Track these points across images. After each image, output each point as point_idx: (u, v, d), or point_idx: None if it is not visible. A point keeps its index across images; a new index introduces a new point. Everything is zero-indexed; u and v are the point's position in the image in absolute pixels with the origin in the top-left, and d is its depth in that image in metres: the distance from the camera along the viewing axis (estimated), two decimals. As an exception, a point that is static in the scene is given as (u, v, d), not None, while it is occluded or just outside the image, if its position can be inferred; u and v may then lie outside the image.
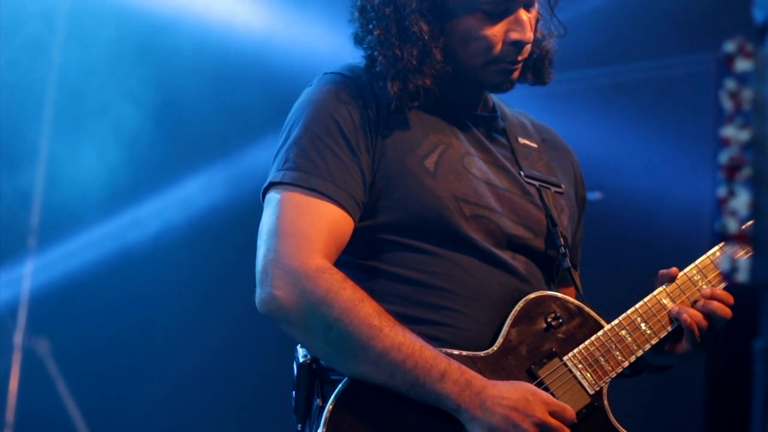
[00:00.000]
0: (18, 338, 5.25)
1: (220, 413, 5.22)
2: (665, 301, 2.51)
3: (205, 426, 5.23)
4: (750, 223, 1.26)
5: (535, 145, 2.72)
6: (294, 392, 2.42)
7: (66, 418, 5.16)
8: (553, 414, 2.32)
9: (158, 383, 5.25)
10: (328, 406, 2.31)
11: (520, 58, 2.53)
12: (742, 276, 1.24)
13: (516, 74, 2.57)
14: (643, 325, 2.49)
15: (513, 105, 2.83)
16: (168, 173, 5.29)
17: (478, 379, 2.33)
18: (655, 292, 2.52)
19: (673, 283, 2.52)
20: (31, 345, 5.24)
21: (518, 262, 2.53)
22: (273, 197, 2.45)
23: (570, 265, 2.60)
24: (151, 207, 5.26)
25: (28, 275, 5.24)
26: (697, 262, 2.55)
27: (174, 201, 5.23)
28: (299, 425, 2.41)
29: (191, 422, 5.23)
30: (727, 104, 1.26)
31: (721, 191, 1.27)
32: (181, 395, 5.24)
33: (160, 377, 5.26)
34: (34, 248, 5.26)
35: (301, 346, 2.45)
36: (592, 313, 2.51)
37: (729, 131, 1.25)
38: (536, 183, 2.64)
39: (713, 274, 2.53)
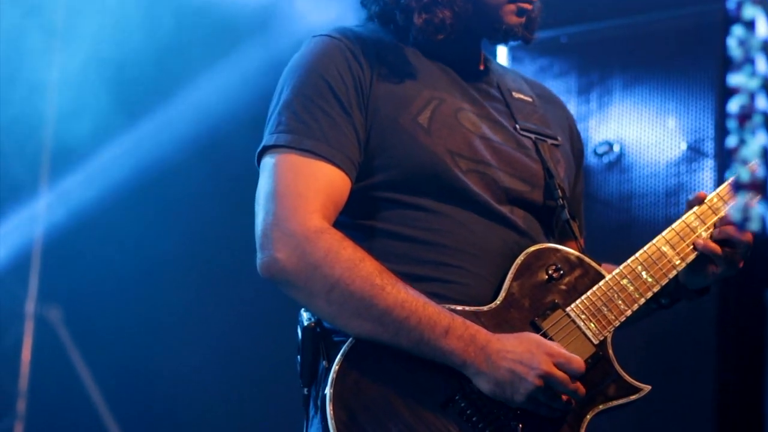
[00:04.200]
0: (30, 307, 5.26)
1: (237, 381, 5.23)
2: (665, 248, 2.51)
3: (220, 392, 5.24)
4: (755, 164, 1.25)
5: (529, 99, 2.72)
6: (299, 356, 2.43)
7: (79, 387, 5.18)
8: (558, 365, 2.32)
9: (172, 349, 5.27)
10: (335, 366, 2.32)
11: None
12: (752, 225, 1.23)
13: (525, 19, 2.57)
14: (644, 273, 2.49)
15: (517, 59, 2.83)
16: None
17: (482, 333, 2.33)
18: (654, 240, 2.51)
19: (672, 231, 2.52)
20: (43, 313, 5.26)
21: (516, 216, 2.53)
22: (268, 161, 2.45)
23: (569, 216, 2.59)
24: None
25: (39, 241, 5.25)
26: (694, 209, 2.54)
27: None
28: (305, 389, 2.41)
29: (206, 389, 5.25)
30: (736, 52, 1.25)
31: (732, 140, 1.25)
32: (196, 361, 5.25)
33: (174, 343, 5.27)
34: (44, 213, 5.26)
35: (305, 309, 2.45)
36: (593, 264, 2.51)
37: (738, 79, 1.24)
38: (532, 136, 2.63)
39: (712, 220, 2.52)
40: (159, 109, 5.24)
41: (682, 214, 2.55)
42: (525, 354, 2.31)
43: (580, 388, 2.34)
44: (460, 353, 2.31)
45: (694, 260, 2.51)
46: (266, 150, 2.46)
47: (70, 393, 5.20)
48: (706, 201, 2.53)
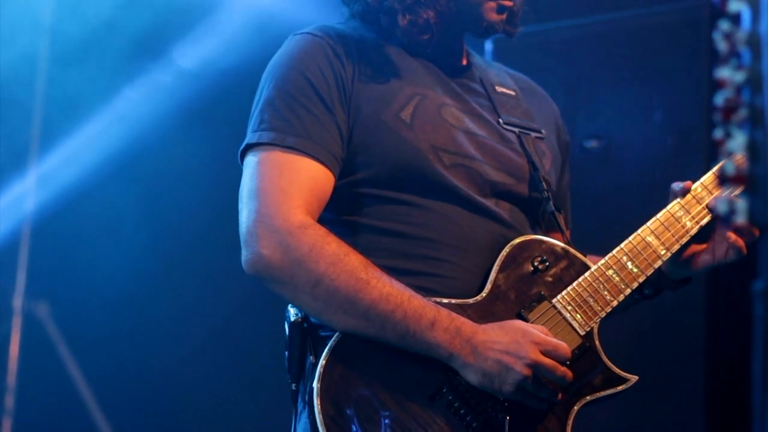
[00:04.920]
0: (17, 302, 5.24)
1: (227, 376, 5.22)
2: (650, 239, 2.52)
3: (209, 388, 5.23)
4: (740, 156, 1.26)
5: (512, 93, 2.73)
6: (286, 352, 2.43)
7: (68, 382, 5.17)
8: (545, 353, 2.33)
9: (160, 344, 5.26)
10: (321, 361, 2.32)
11: None
12: (739, 218, 1.24)
13: (506, 15, 2.58)
14: (629, 263, 2.50)
15: (505, 54, 2.84)
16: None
17: (468, 325, 2.34)
18: (639, 231, 2.52)
19: (656, 221, 2.52)
20: (31, 309, 5.24)
21: (502, 208, 2.53)
22: (251, 159, 2.46)
23: (554, 208, 2.60)
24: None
25: (26, 243, 5.23)
26: (678, 198, 2.55)
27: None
28: (293, 384, 2.42)
29: (195, 384, 5.24)
30: (722, 45, 1.26)
31: (718, 133, 1.26)
32: (185, 356, 5.24)
33: (162, 337, 5.26)
34: (30, 208, 5.24)
35: (292, 305, 2.45)
36: (579, 255, 2.52)
37: (724, 73, 1.25)
38: (516, 129, 2.64)
39: (696, 209, 2.53)
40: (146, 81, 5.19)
41: (667, 204, 2.56)
42: (511, 344, 2.31)
43: (567, 373, 2.34)
44: (447, 345, 2.31)
45: (678, 250, 2.52)
46: (249, 148, 2.47)
47: (59, 388, 5.18)
48: (690, 190, 2.54)
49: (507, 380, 2.30)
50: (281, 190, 2.39)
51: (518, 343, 2.32)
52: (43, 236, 5.21)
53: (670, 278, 2.60)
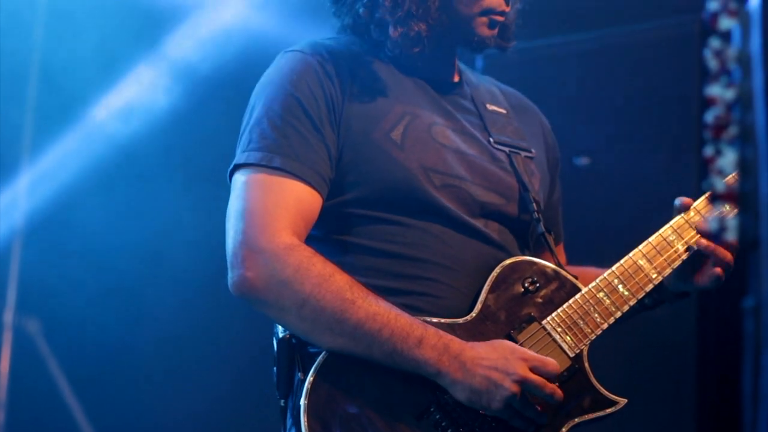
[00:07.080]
0: (8, 317, 5.22)
1: (217, 392, 5.21)
2: (642, 262, 2.52)
3: (200, 403, 5.22)
4: (733, 177, 1.26)
5: (503, 111, 2.73)
6: (275, 368, 2.43)
7: (58, 398, 5.15)
8: (534, 370, 2.32)
9: (151, 361, 5.25)
10: (309, 378, 2.32)
11: (507, 9, 2.58)
12: (730, 235, 1.24)
13: (497, 30, 2.59)
14: (620, 286, 2.50)
15: (495, 71, 2.84)
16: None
17: (455, 342, 2.33)
18: (631, 254, 2.52)
19: (648, 244, 2.53)
20: (22, 324, 5.22)
21: (491, 229, 2.53)
22: (238, 179, 2.45)
23: (544, 229, 2.60)
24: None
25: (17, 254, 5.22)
26: (671, 222, 2.55)
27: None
28: (282, 400, 2.41)
29: (185, 398, 5.23)
30: (712, 63, 1.26)
31: (708, 151, 1.26)
32: (176, 372, 5.23)
33: (152, 355, 5.25)
34: (21, 222, 5.23)
35: None
36: (569, 277, 2.52)
37: (714, 90, 1.25)
38: (506, 149, 2.64)
39: (689, 234, 2.53)
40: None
41: (662, 226, 2.56)
42: (500, 360, 2.31)
43: (556, 391, 2.33)
44: (434, 362, 2.31)
45: (680, 266, 2.52)
46: (237, 168, 2.47)
47: (49, 404, 5.17)
48: (682, 215, 2.54)
49: (495, 397, 2.29)
50: (267, 212, 2.38)
51: (507, 359, 2.31)
52: (33, 251, 5.19)
53: (670, 291, 2.60)
